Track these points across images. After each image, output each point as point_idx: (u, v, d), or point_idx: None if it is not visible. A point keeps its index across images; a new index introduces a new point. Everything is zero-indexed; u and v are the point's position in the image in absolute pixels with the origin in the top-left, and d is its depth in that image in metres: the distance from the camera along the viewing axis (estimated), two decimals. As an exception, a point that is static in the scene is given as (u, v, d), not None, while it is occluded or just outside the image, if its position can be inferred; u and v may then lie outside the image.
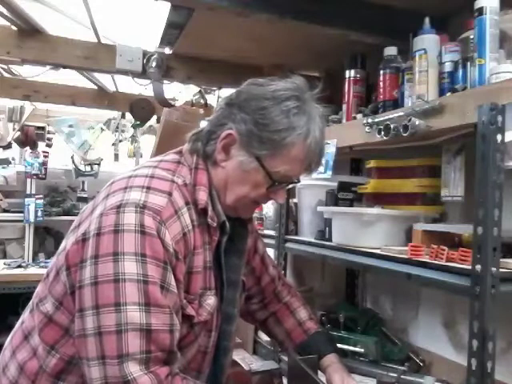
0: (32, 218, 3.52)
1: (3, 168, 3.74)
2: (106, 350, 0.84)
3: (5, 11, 1.99)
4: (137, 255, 0.86)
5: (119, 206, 0.89)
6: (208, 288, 1.02)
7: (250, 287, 1.30)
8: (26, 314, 1.05)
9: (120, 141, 4.07)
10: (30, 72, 2.84)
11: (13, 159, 3.76)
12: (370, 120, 1.44)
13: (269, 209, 2.17)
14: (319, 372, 1.23)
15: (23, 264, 3.40)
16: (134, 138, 4.10)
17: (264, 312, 1.35)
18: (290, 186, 1.14)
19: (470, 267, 1.04)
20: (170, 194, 0.94)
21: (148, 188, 0.93)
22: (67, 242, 0.97)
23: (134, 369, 0.83)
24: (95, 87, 3.30)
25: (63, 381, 0.95)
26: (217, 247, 1.05)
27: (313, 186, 1.80)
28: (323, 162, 1.40)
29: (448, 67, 1.32)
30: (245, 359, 2.00)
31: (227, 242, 1.07)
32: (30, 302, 1.05)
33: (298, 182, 1.10)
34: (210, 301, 1.01)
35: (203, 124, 1.12)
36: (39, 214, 3.55)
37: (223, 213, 1.03)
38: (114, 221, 0.88)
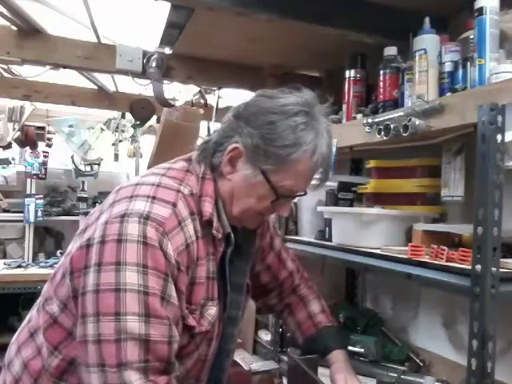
0: (32, 218, 3.52)
1: (3, 168, 3.73)
2: (106, 358, 0.84)
3: (5, 11, 1.99)
4: (138, 266, 0.86)
5: (123, 216, 0.90)
6: (210, 298, 1.01)
7: (268, 283, 1.32)
8: (33, 312, 1.06)
9: (120, 141, 4.06)
10: (29, 72, 2.84)
11: (13, 159, 3.75)
12: (370, 120, 1.44)
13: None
14: (322, 370, 1.22)
15: (23, 264, 3.39)
16: (134, 138, 4.09)
17: (281, 304, 1.36)
18: (296, 198, 1.14)
19: (469, 267, 1.03)
20: (174, 204, 0.94)
21: (153, 198, 0.93)
22: (73, 246, 0.98)
23: (133, 377, 0.83)
24: (95, 87, 3.30)
25: (65, 381, 0.95)
26: (222, 257, 1.04)
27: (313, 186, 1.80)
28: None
29: (448, 67, 1.31)
30: (245, 359, 2.00)
31: (233, 248, 1.07)
32: (38, 301, 1.06)
33: (305, 194, 1.09)
34: (212, 311, 1.01)
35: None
36: (39, 214, 3.55)
37: (229, 224, 1.03)
38: (117, 230, 0.88)
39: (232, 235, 1.04)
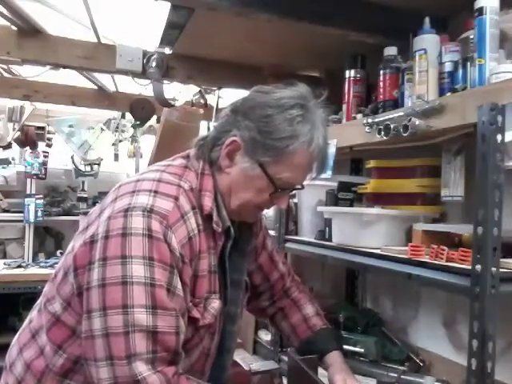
0: (32, 218, 3.52)
1: (3, 168, 3.73)
2: (115, 351, 0.85)
3: (5, 11, 1.99)
4: (144, 258, 0.87)
5: (127, 210, 0.91)
6: (213, 292, 1.03)
7: (259, 284, 1.32)
8: (33, 313, 1.06)
9: (120, 141, 4.06)
10: (29, 72, 2.84)
11: (13, 159, 3.75)
12: (370, 120, 1.45)
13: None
14: (322, 370, 1.23)
15: (23, 264, 3.40)
16: (134, 138, 4.09)
17: (273, 308, 1.36)
18: (293, 191, 1.15)
19: (470, 267, 1.03)
20: (176, 198, 0.95)
21: (155, 192, 0.94)
22: (75, 244, 0.98)
23: (142, 368, 0.84)
24: (95, 87, 3.30)
25: (70, 379, 0.96)
26: (221, 251, 1.05)
27: (313, 186, 1.80)
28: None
29: (448, 67, 1.32)
30: (245, 359, 2.00)
31: (231, 243, 1.08)
32: (38, 301, 1.06)
33: (302, 188, 1.11)
34: (215, 304, 1.02)
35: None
36: (39, 214, 3.55)
37: (228, 218, 1.05)
38: (121, 224, 0.89)
39: (232, 229, 1.05)
